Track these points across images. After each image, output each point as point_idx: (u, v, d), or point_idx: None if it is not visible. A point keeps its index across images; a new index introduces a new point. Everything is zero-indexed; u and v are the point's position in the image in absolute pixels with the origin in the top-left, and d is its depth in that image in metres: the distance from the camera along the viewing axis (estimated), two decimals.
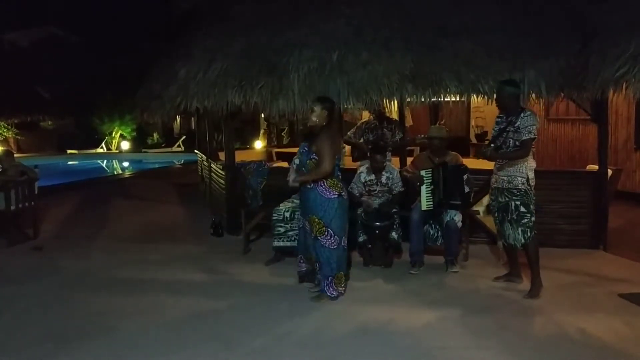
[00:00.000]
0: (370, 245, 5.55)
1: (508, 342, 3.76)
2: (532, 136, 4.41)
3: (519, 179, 4.50)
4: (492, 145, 4.56)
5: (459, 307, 4.41)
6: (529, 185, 4.52)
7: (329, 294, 4.55)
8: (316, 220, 4.50)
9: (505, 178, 4.56)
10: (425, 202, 5.26)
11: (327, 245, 4.52)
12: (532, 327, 4.00)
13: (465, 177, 5.16)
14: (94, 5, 18.52)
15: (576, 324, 4.02)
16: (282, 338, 3.89)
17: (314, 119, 4.47)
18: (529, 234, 4.57)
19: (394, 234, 5.46)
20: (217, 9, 7.50)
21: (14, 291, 5.00)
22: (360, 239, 5.54)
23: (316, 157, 4.47)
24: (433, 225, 5.45)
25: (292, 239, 5.45)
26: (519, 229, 4.56)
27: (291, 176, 4.91)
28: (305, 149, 4.59)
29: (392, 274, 5.33)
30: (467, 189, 5.17)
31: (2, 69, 15.87)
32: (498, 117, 4.69)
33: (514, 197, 4.53)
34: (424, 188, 5.29)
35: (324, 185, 4.47)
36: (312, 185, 4.48)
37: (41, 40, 18.76)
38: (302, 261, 4.87)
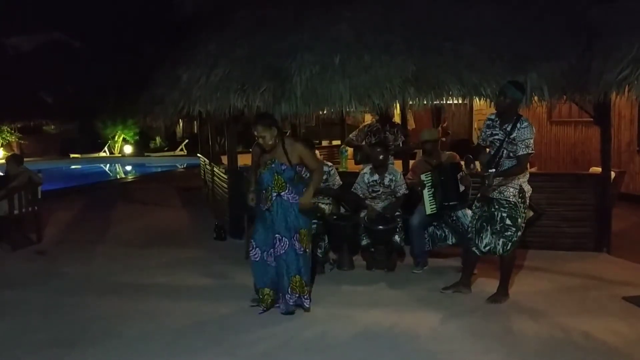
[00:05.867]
0: (373, 249, 5.55)
1: (513, 346, 3.75)
2: (530, 151, 4.23)
3: (511, 190, 4.34)
4: (493, 170, 4.27)
5: (463, 310, 4.41)
6: (520, 197, 4.36)
7: (307, 305, 4.43)
8: (305, 232, 4.39)
9: (496, 187, 4.37)
10: (428, 206, 5.24)
11: (309, 256, 4.47)
12: (537, 331, 3.99)
13: (459, 175, 5.01)
14: (97, 10, 18.56)
15: (580, 327, 4.01)
16: (285, 342, 3.88)
17: (268, 140, 4.29)
18: (509, 246, 4.43)
19: (396, 238, 5.45)
20: (219, 14, 7.52)
21: (17, 296, 5.02)
22: (364, 242, 5.54)
23: (300, 168, 4.38)
24: (439, 227, 5.43)
25: None
26: (501, 240, 4.42)
27: (305, 203, 4.32)
28: (283, 167, 4.32)
29: (395, 277, 5.33)
30: (462, 188, 5.03)
31: (5, 73, 15.91)
32: (489, 119, 4.50)
33: (502, 209, 4.37)
34: (426, 192, 5.27)
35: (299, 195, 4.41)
36: (296, 199, 4.35)
37: (44, 45, 18.81)
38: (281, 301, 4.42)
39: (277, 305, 4.45)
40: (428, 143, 5.52)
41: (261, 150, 4.41)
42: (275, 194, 4.34)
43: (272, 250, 4.37)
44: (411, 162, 6.98)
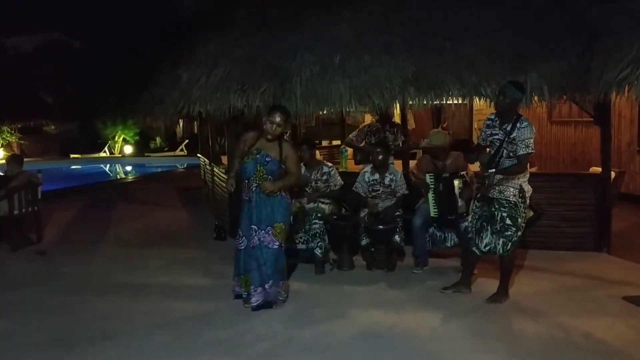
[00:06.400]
0: (373, 249, 5.54)
1: (513, 346, 3.75)
2: (530, 151, 4.24)
3: (511, 189, 4.34)
4: (493, 169, 4.32)
5: (464, 310, 4.40)
6: (520, 197, 4.36)
7: (282, 298, 4.53)
8: (283, 227, 4.46)
9: (496, 187, 4.37)
10: (432, 209, 5.22)
11: (284, 250, 4.52)
12: (537, 331, 3.98)
13: (457, 189, 4.96)
14: (97, 10, 18.57)
15: (580, 327, 4.01)
16: (285, 342, 3.88)
17: (279, 130, 4.38)
18: (509, 246, 4.42)
19: (396, 237, 5.45)
20: (219, 14, 7.52)
21: (17, 296, 5.01)
22: (363, 242, 5.54)
23: (284, 166, 4.43)
24: (439, 228, 5.41)
25: (296, 241, 5.44)
26: (501, 239, 4.42)
27: (266, 185, 4.36)
28: (268, 159, 4.38)
29: (396, 277, 5.32)
30: (460, 202, 5.00)
31: (5, 73, 15.92)
32: (489, 118, 4.51)
33: (502, 208, 4.37)
34: (430, 194, 5.23)
35: (285, 191, 4.50)
36: (278, 193, 4.43)
37: (44, 45, 18.82)
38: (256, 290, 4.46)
39: (246, 294, 4.47)
40: (435, 149, 5.45)
41: (256, 138, 4.44)
42: (255, 185, 4.39)
43: (249, 237, 4.44)
44: (411, 162, 6.98)
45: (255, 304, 4.43)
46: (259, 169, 4.40)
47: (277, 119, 4.36)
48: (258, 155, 4.40)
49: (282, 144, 4.44)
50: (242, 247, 4.48)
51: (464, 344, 3.80)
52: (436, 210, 5.19)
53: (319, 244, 5.43)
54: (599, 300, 4.57)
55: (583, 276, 5.21)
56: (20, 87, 16.82)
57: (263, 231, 4.40)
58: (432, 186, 5.22)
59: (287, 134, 4.77)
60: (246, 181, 4.46)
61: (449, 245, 5.44)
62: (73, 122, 19.92)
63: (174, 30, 8.72)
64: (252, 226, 4.41)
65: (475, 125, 13.36)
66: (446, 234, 5.41)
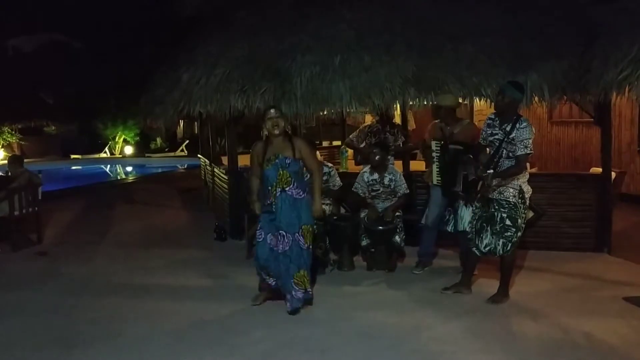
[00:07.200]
0: (373, 250, 5.54)
1: (513, 347, 3.75)
2: (528, 151, 4.22)
3: (511, 190, 4.34)
4: (491, 170, 4.25)
5: (464, 311, 4.40)
6: (520, 198, 4.35)
7: (308, 296, 4.50)
8: (310, 229, 4.43)
9: (495, 188, 4.35)
10: (435, 176, 5.13)
11: (311, 251, 4.50)
12: (537, 331, 3.98)
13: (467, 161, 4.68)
14: (98, 12, 18.60)
15: (581, 327, 4.00)
16: (286, 343, 3.88)
17: (281, 126, 4.36)
18: (509, 247, 4.41)
19: (397, 238, 5.45)
20: (219, 15, 7.53)
21: (18, 296, 5.02)
22: (364, 243, 5.54)
23: (301, 163, 4.43)
24: (446, 208, 5.31)
25: None
26: (500, 240, 4.41)
27: (317, 212, 4.48)
28: (288, 161, 4.35)
29: (396, 278, 5.32)
30: (470, 177, 4.66)
31: (6, 74, 15.95)
32: (489, 118, 4.49)
33: (502, 209, 4.37)
34: (434, 165, 5.13)
35: (307, 191, 4.48)
36: (300, 194, 4.42)
37: (45, 46, 18.84)
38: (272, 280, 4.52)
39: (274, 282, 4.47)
40: (442, 109, 5.25)
41: (265, 146, 4.42)
42: (279, 190, 4.37)
43: (276, 241, 4.38)
44: (412, 162, 6.99)
45: (290, 309, 4.36)
46: (281, 173, 4.36)
47: (274, 113, 4.35)
48: (277, 160, 4.37)
49: (293, 141, 4.43)
50: (260, 240, 4.43)
51: (464, 344, 3.80)
52: (439, 178, 5.08)
53: (319, 244, 5.43)
54: (599, 301, 4.57)
55: (583, 276, 5.21)
56: (21, 87, 16.84)
57: (296, 234, 4.36)
58: (436, 155, 5.09)
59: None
60: (269, 188, 4.42)
61: (447, 229, 5.29)
62: (73, 123, 19.97)
63: (174, 30, 8.73)
64: (280, 232, 4.37)
65: None
66: (449, 216, 5.28)
